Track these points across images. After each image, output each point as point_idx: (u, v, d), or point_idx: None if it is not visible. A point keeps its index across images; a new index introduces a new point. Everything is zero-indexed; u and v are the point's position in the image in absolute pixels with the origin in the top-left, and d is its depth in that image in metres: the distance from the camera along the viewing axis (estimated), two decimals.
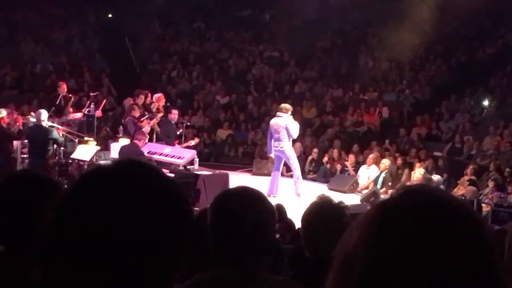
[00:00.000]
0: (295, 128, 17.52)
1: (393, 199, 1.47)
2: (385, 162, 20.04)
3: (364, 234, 1.42)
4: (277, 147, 17.73)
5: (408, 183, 18.88)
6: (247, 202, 3.09)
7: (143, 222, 1.57)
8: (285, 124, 17.40)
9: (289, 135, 17.40)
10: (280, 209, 9.50)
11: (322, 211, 4.19)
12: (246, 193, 3.17)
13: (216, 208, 3.13)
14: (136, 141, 15.95)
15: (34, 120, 16.18)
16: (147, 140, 17.41)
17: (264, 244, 3.12)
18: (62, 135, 16.58)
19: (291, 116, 17.74)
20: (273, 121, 17.82)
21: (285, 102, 26.83)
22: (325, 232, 3.43)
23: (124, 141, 16.74)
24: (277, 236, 7.01)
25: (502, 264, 1.44)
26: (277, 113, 17.80)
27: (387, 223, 1.42)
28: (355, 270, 1.39)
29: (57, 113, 18.91)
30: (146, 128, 17.68)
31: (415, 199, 1.45)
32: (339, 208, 4.27)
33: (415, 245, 1.37)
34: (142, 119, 17.72)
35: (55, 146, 15.97)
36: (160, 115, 18.43)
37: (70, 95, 19.92)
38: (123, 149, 15.89)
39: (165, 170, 15.87)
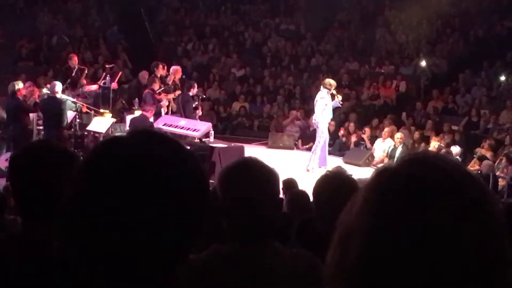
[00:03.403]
0: (321, 106, 17.50)
1: (394, 168, 1.44)
2: (400, 135, 19.96)
3: (365, 204, 1.41)
4: (314, 119, 17.87)
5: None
6: (249, 176, 3.08)
7: (160, 196, 1.55)
8: (319, 97, 17.47)
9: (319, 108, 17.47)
10: (291, 182, 9.48)
11: (333, 183, 4.19)
12: (248, 166, 3.16)
13: (220, 185, 3.13)
14: (144, 113, 15.99)
15: (48, 92, 16.22)
16: (164, 113, 17.44)
17: (273, 215, 3.12)
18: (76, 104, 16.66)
19: (328, 93, 17.66)
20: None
21: (301, 76, 26.99)
22: (336, 204, 3.43)
23: (138, 113, 16.78)
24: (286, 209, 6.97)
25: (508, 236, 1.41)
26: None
27: (388, 192, 1.39)
28: (355, 241, 1.38)
29: (72, 85, 18.96)
30: (164, 102, 17.68)
31: (417, 167, 1.41)
32: (350, 179, 4.25)
33: (415, 215, 1.34)
34: (158, 91, 17.70)
35: (71, 116, 16.03)
36: (178, 92, 18.29)
37: (83, 67, 19.94)
38: (133, 121, 15.95)
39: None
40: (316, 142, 17.93)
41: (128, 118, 17.42)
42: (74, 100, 17.00)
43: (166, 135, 1.72)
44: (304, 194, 7.48)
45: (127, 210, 1.53)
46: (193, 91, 18.26)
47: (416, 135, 20.60)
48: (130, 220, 1.53)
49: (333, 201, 3.83)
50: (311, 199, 4.73)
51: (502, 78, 25.35)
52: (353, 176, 4.33)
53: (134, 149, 1.60)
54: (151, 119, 16.17)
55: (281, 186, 3.57)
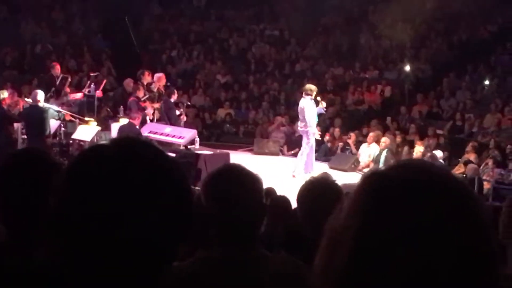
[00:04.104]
0: (310, 112, 17.50)
1: (383, 171, 1.46)
2: (385, 140, 20.02)
3: (355, 207, 1.42)
4: (300, 127, 17.85)
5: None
6: (233, 182, 3.10)
7: (144, 202, 1.57)
8: (303, 106, 17.47)
9: (304, 117, 17.47)
10: (269, 192, 9.45)
11: (317, 189, 4.20)
12: (232, 172, 3.18)
13: (205, 191, 3.13)
14: (131, 120, 15.99)
15: (31, 101, 16.17)
16: (149, 121, 17.43)
17: (258, 220, 3.13)
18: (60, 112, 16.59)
19: (311, 98, 17.66)
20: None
21: (285, 81, 27.04)
22: (320, 210, 3.43)
23: (125, 121, 16.76)
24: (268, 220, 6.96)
25: (495, 239, 1.43)
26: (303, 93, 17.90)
27: (377, 194, 1.40)
28: (345, 244, 1.39)
29: (57, 93, 18.92)
30: (149, 111, 17.67)
31: (405, 170, 1.44)
32: (334, 185, 4.27)
33: (405, 217, 1.35)
34: (143, 99, 17.69)
35: (55, 125, 15.98)
36: (157, 105, 18.26)
37: (66, 76, 19.89)
38: (121, 129, 15.94)
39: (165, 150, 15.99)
40: (303, 147, 17.94)
41: (113, 126, 17.40)
42: (58, 108, 16.94)
43: (148, 142, 1.74)
44: (284, 200, 7.46)
45: (110, 216, 1.55)
46: (174, 97, 18.28)
47: (399, 139, 20.67)
48: (114, 226, 1.54)
49: (317, 207, 3.85)
50: (293, 204, 4.75)
51: (486, 81, 25.48)
52: (337, 182, 4.35)
53: (116, 156, 1.62)
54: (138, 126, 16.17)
55: None
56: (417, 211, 1.36)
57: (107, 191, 1.56)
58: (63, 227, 1.58)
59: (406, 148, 20.01)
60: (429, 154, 16.86)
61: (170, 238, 1.63)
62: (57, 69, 19.68)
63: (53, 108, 16.46)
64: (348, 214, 1.42)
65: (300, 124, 17.98)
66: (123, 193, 1.56)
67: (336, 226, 1.43)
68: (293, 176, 17.57)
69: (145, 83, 18.24)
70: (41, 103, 15.62)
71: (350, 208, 1.43)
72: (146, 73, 18.60)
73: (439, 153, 18.12)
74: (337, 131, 22.40)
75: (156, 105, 18.07)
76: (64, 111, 17.16)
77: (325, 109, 18.78)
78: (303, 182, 4.48)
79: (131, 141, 1.70)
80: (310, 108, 17.47)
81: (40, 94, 15.73)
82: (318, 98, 18.12)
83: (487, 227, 1.42)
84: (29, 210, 2.73)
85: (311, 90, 17.70)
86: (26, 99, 17.61)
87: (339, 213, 1.45)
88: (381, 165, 19.27)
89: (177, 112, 18.31)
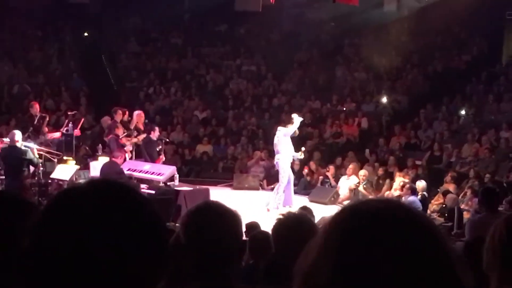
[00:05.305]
0: (291, 129, 17.65)
1: (352, 206, 1.50)
2: (363, 172, 20.07)
3: (327, 243, 1.44)
4: (277, 159, 17.96)
5: (386, 193, 19.00)
6: (211, 219, 3.12)
7: (117, 241, 1.59)
8: (281, 135, 17.54)
9: (289, 136, 17.69)
10: (253, 226, 9.44)
11: (290, 225, 4.23)
12: (210, 209, 3.20)
13: (183, 227, 3.15)
14: (114, 159, 15.93)
15: (8, 141, 16.06)
16: (128, 158, 17.39)
17: (237, 257, 3.14)
18: (39, 155, 16.44)
19: (287, 126, 17.85)
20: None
21: (263, 116, 27.12)
22: (294, 245, 3.44)
23: (104, 159, 16.71)
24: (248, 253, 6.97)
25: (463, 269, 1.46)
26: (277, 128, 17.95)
27: (349, 229, 1.43)
28: (318, 281, 1.41)
29: (35, 133, 18.85)
30: (128, 147, 17.65)
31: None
32: (307, 220, 4.31)
33: (366, 262, 1.38)
34: (121, 137, 17.67)
35: (31, 167, 15.88)
36: (142, 137, 18.29)
37: (44, 115, 19.83)
38: (103, 168, 15.88)
39: (145, 187, 15.93)
40: (280, 181, 17.95)
41: (92, 164, 17.37)
42: (37, 149, 16.84)
43: (123, 183, 1.75)
44: (264, 235, 7.47)
45: (85, 256, 1.56)
46: (154, 134, 18.24)
47: (380, 171, 20.71)
48: (88, 267, 1.56)
49: (291, 242, 3.87)
50: None
51: (462, 112, 25.65)
52: (309, 217, 4.38)
53: (91, 198, 1.64)
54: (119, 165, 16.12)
55: (244, 229, 3.61)
56: (389, 245, 1.39)
57: (81, 232, 1.58)
58: (36, 268, 1.59)
59: (387, 181, 20.04)
60: (407, 186, 16.86)
61: (147, 277, 1.64)
62: (36, 108, 19.61)
63: (33, 147, 16.34)
64: (321, 251, 1.44)
65: (277, 156, 18.01)
66: (98, 234, 1.58)
67: (307, 265, 1.45)
68: (268, 210, 17.53)
69: (118, 121, 18.23)
70: (19, 143, 15.50)
71: (322, 245, 1.45)
72: (119, 111, 18.61)
73: (421, 184, 18.10)
74: (312, 164, 22.41)
75: (134, 140, 18.05)
76: (43, 152, 17.09)
77: (299, 158, 18.82)
78: (278, 217, 4.52)
79: (106, 182, 1.72)
80: (287, 129, 17.62)
81: (18, 135, 15.57)
82: (303, 149, 18.47)
83: (453, 258, 1.45)
84: (2, 253, 2.70)
85: (293, 118, 17.89)
86: (4, 139, 17.51)
87: (309, 252, 1.47)
88: (360, 197, 19.33)
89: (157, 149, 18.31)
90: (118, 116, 18.42)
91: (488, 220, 8.50)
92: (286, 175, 17.78)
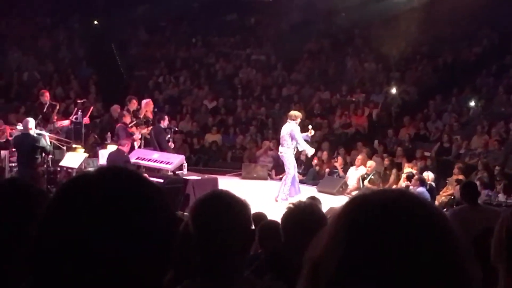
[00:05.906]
0: (297, 134, 17.53)
1: (345, 210, 1.49)
2: (371, 163, 20.06)
3: (336, 234, 1.44)
4: (280, 152, 17.83)
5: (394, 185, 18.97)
6: (220, 208, 3.12)
7: (126, 230, 1.59)
8: (289, 130, 17.47)
9: (294, 140, 17.46)
10: (259, 216, 9.43)
11: (299, 214, 4.22)
12: (219, 198, 3.20)
13: (192, 216, 3.15)
14: (121, 147, 15.93)
15: (21, 128, 16.06)
16: (136, 147, 17.40)
17: (245, 247, 3.14)
18: (51, 142, 16.43)
19: (296, 123, 17.69)
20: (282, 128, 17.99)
21: (272, 106, 27.09)
22: (303, 235, 3.43)
23: (112, 148, 16.71)
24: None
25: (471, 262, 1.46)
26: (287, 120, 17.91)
27: (358, 220, 1.43)
28: (326, 271, 1.41)
29: (44, 121, 18.87)
30: (137, 136, 17.66)
31: (381, 199, 1.47)
32: (317, 210, 4.30)
33: (375, 254, 1.38)
34: (130, 125, 17.68)
35: (43, 154, 15.89)
36: (149, 128, 18.24)
37: (55, 103, 19.84)
38: (110, 156, 15.88)
39: (153, 176, 15.94)
40: (286, 172, 17.94)
41: (101, 152, 17.38)
42: (51, 135, 16.85)
43: (133, 172, 1.75)
44: (273, 225, 7.46)
45: (92, 245, 1.56)
46: (164, 123, 18.20)
47: (387, 161, 20.66)
48: (96, 257, 1.55)
49: (300, 232, 3.86)
50: None
51: (472, 103, 25.56)
52: (319, 207, 4.37)
53: (100, 186, 1.63)
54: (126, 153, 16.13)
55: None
56: (399, 237, 1.39)
57: (89, 220, 1.57)
58: (44, 256, 1.59)
59: (394, 171, 20.01)
60: (415, 177, 16.84)
61: (155, 267, 1.64)
62: (46, 97, 19.61)
63: (45, 134, 16.36)
64: (330, 241, 1.44)
65: (280, 149, 17.97)
66: (106, 223, 1.58)
67: (316, 255, 1.45)
68: (276, 200, 17.53)
69: (131, 110, 18.24)
70: (32, 131, 15.47)
71: (332, 235, 1.45)
72: (133, 100, 18.63)
73: (430, 175, 18.10)
74: (324, 155, 22.41)
75: (144, 131, 18.05)
76: (54, 140, 17.10)
77: (309, 136, 18.64)
78: (288, 206, 4.50)
79: (116, 170, 1.72)
80: (296, 131, 17.52)
81: (31, 122, 15.53)
82: (310, 127, 18.25)
83: (462, 250, 1.45)
84: (11, 243, 2.70)
85: (295, 116, 17.73)
86: (17, 126, 17.51)
87: (319, 242, 1.47)
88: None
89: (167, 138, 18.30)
90: (132, 105, 18.42)
91: (468, 211, 9.22)
92: (292, 166, 17.76)
